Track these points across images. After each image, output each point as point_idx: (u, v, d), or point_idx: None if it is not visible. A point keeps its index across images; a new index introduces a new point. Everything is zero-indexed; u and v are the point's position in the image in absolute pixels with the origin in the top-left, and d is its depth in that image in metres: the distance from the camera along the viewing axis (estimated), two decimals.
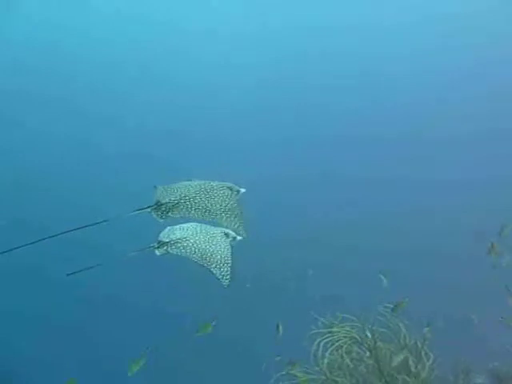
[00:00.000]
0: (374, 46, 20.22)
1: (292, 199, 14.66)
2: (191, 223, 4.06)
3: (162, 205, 4.01)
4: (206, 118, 18.81)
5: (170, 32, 22.52)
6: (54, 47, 21.16)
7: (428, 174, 15.36)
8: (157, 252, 3.90)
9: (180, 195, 4.05)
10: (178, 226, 4.03)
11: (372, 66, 19.77)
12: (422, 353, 5.28)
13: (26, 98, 18.82)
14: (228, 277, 3.77)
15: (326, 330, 5.33)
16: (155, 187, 4.14)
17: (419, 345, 5.31)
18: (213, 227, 4.02)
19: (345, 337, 5.29)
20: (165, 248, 3.89)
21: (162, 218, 4.03)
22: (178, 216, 4.03)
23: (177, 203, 4.02)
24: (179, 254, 3.88)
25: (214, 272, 3.78)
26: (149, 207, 4.01)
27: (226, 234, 3.98)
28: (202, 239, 3.91)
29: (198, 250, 3.86)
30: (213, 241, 3.92)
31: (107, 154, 17.03)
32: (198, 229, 4.00)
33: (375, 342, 5.30)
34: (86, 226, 3.75)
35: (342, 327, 5.34)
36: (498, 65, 18.12)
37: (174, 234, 3.95)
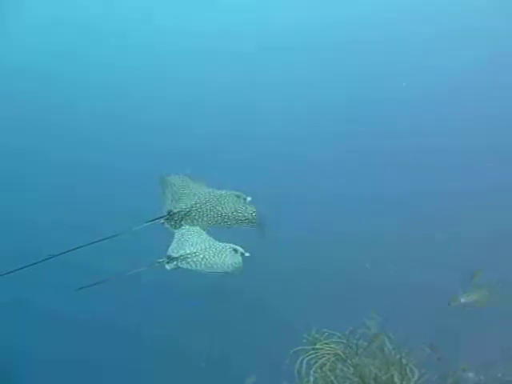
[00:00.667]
0: (374, 46, 19.90)
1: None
2: (198, 237, 4.09)
3: (174, 214, 4.05)
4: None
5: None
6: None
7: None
8: (167, 267, 3.96)
9: (191, 203, 4.07)
10: (185, 240, 4.08)
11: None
12: (407, 369, 5.22)
13: None
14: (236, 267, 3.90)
15: (310, 347, 5.27)
16: (161, 177, 4.20)
17: (404, 361, 5.24)
18: (220, 243, 4.09)
19: (328, 353, 5.22)
20: (175, 263, 3.95)
21: (175, 227, 4.09)
22: (191, 224, 4.07)
23: (188, 211, 4.05)
24: (189, 268, 3.93)
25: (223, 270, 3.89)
26: (162, 217, 4.06)
27: (235, 250, 4.05)
28: (212, 254, 3.97)
29: (208, 263, 3.92)
30: (221, 255, 3.98)
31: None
32: (207, 244, 4.05)
33: (359, 358, 5.24)
34: (94, 243, 3.79)
35: (327, 344, 5.28)
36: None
37: (183, 248, 4.00)
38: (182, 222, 4.11)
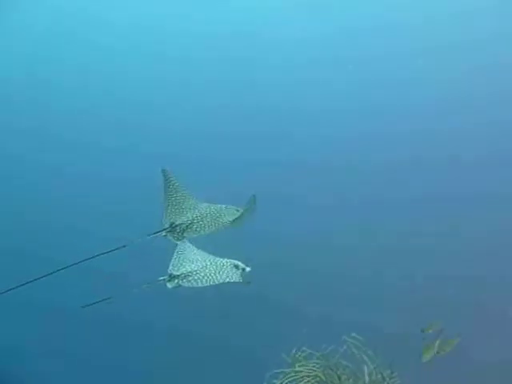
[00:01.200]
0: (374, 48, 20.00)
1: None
2: (198, 254, 4.20)
3: (176, 226, 4.16)
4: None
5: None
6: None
7: None
8: (168, 285, 3.99)
9: (192, 216, 4.20)
10: (185, 257, 4.16)
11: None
12: None
13: None
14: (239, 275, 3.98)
15: (289, 370, 5.11)
16: (163, 171, 4.20)
17: (386, 380, 5.13)
18: (221, 259, 4.15)
19: (308, 376, 5.07)
20: (176, 281, 3.99)
21: (178, 239, 4.17)
22: (193, 236, 4.20)
23: (190, 223, 4.16)
24: (190, 286, 3.98)
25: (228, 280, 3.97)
26: (164, 230, 4.15)
27: (236, 266, 4.10)
28: (213, 271, 4.03)
29: (210, 280, 3.99)
30: (223, 272, 4.04)
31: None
32: (208, 261, 4.12)
33: (339, 379, 5.10)
34: (101, 255, 3.83)
35: (306, 365, 5.13)
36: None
37: (184, 266, 4.06)
38: (185, 234, 4.22)
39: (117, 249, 3.90)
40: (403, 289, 11.18)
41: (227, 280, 3.98)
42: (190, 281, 3.97)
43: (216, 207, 4.27)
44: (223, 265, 4.07)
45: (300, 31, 20.07)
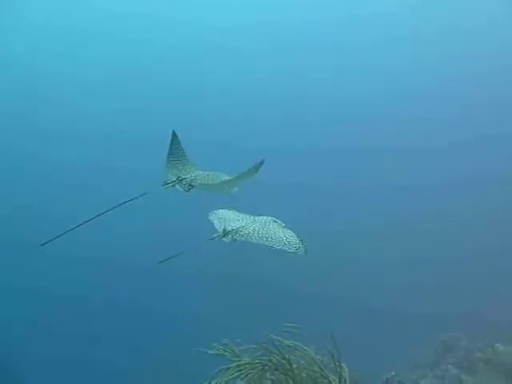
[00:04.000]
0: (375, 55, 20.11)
1: None
2: (238, 215, 4.63)
3: (183, 179, 4.63)
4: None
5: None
6: None
7: None
8: (225, 239, 4.38)
9: (195, 173, 4.70)
10: (227, 218, 4.57)
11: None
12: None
13: None
14: (301, 246, 4.15)
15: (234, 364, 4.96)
16: (173, 132, 4.68)
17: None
18: (260, 217, 4.56)
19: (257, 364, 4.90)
20: (230, 236, 4.37)
21: (186, 190, 4.62)
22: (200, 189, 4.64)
23: (194, 178, 4.68)
24: (244, 239, 4.34)
25: (286, 249, 4.16)
26: (174, 182, 4.62)
27: (275, 221, 4.50)
28: (259, 225, 4.41)
29: (260, 233, 4.31)
30: (268, 225, 4.42)
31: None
32: (251, 218, 4.56)
33: (290, 365, 4.90)
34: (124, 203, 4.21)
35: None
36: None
37: (230, 224, 4.48)
38: (192, 184, 4.65)
39: (137, 197, 4.27)
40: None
41: (272, 232, 4.30)
42: (242, 235, 4.36)
43: (215, 172, 4.73)
44: (264, 220, 4.49)
45: None
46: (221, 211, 4.77)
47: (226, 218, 4.62)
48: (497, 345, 7.39)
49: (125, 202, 4.24)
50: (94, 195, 13.92)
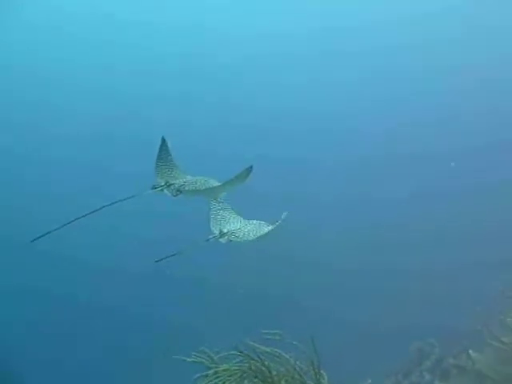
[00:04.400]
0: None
1: None
2: (234, 216, 4.70)
3: (171, 185, 4.58)
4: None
5: None
6: None
7: None
8: (222, 241, 4.48)
9: (184, 179, 4.63)
10: (223, 219, 4.66)
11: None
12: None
13: None
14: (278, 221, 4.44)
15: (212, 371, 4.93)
16: (163, 138, 4.58)
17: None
18: (253, 220, 4.67)
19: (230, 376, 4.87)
20: (226, 237, 4.48)
21: (173, 195, 4.58)
22: (188, 196, 4.61)
23: (183, 184, 4.58)
24: (238, 240, 4.47)
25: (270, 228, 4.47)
26: (162, 186, 4.57)
27: (269, 225, 4.60)
28: (253, 227, 4.56)
29: (255, 234, 4.48)
30: (261, 228, 4.55)
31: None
32: (244, 220, 4.66)
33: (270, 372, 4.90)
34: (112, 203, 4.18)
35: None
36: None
37: (225, 226, 4.57)
38: (180, 189, 4.61)
39: (126, 199, 4.27)
40: None
41: (266, 230, 4.49)
42: (238, 236, 4.48)
43: (203, 177, 4.72)
44: (260, 223, 4.61)
45: None
46: (221, 211, 4.83)
47: (224, 219, 4.70)
48: (470, 351, 7.58)
49: (113, 203, 4.25)
50: (94, 195, 13.75)
